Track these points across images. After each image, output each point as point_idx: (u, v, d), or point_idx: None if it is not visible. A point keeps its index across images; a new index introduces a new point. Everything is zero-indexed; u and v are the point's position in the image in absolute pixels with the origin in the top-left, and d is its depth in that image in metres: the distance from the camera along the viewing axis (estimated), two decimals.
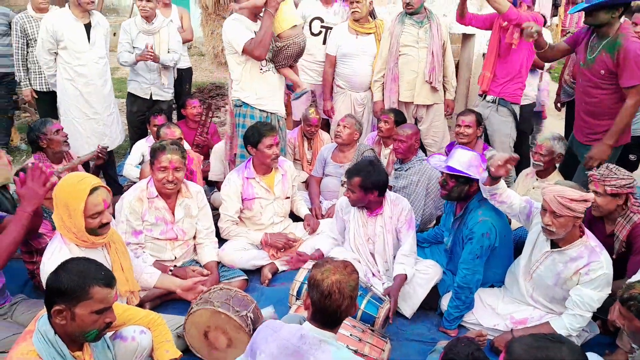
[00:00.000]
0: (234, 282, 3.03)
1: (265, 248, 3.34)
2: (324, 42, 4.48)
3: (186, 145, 3.93)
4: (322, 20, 4.45)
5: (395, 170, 3.67)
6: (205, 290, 2.57)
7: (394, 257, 2.97)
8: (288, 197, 3.51)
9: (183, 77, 5.15)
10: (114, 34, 6.20)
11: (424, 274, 2.93)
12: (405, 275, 2.82)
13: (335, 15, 4.51)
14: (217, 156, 4.23)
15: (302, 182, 4.21)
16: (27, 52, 4.47)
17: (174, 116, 5.21)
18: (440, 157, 3.06)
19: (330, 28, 4.45)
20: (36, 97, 4.58)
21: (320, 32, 4.47)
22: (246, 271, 3.20)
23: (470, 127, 3.68)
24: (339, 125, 3.92)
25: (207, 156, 4.43)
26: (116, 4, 15.11)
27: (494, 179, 2.65)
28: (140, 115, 4.51)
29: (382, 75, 4.25)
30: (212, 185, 4.28)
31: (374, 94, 4.34)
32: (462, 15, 3.93)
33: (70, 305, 1.70)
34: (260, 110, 3.55)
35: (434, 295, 2.94)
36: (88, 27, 3.86)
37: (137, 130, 4.62)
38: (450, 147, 3.84)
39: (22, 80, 4.54)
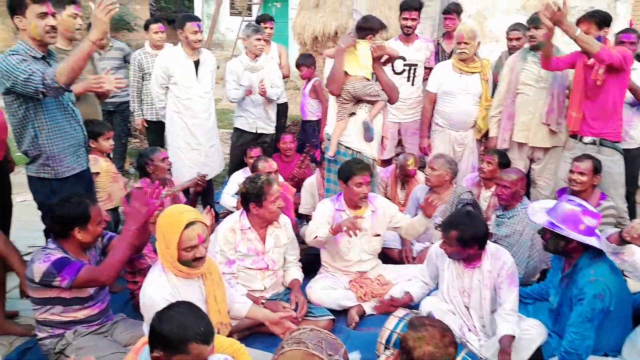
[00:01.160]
0: (320, 322, 2.97)
1: (352, 289, 3.25)
2: (408, 80, 4.46)
3: (280, 178, 4.02)
4: (404, 59, 4.44)
5: (497, 217, 3.46)
6: (295, 329, 2.54)
7: (491, 313, 2.76)
8: (378, 235, 3.41)
9: (279, 112, 5.32)
10: (218, 67, 6.57)
11: (527, 335, 2.66)
12: (513, 336, 2.57)
13: (417, 52, 4.49)
14: (308, 189, 4.28)
15: None
16: (142, 85, 4.86)
17: None
18: (545, 203, 2.82)
19: (414, 65, 4.45)
20: (146, 125, 4.96)
21: (403, 71, 4.46)
22: (332, 311, 3.14)
23: (585, 175, 3.32)
24: (430, 168, 3.81)
25: (298, 189, 4.51)
26: (221, 39, 16.23)
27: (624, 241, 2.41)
28: (245, 148, 4.68)
29: (500, 112, 4.08)
30: (302, 218, 4.32)
31: (490, 129, 4.18)
32: (548, 58, 3.64)
33: (167, 354, 1.75)
34: (345, 147, 3.56)
35: (537, 359, 2.68)
36: (197, 64, 4.11)
37: (237, 161, 4.79)
38: (561, 193, 3.55)
39: (135, 110, 4.94)
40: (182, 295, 2.36)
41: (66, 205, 2.54)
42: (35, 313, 2.59)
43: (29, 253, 3.85)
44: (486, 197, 3.82)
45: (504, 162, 3.70)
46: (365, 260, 3.38)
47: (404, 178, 4.23)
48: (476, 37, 4.12)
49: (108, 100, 5.09)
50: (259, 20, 5.37)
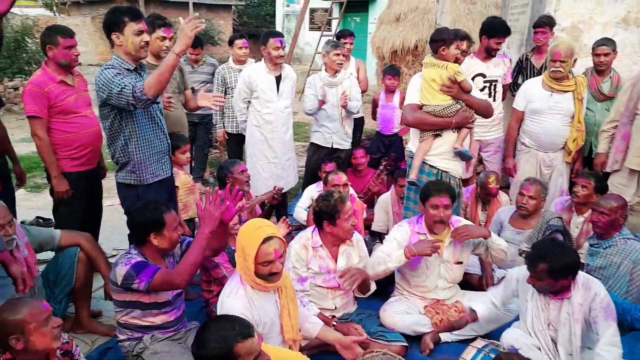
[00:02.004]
0: (393, 347, 2.86)
1: (428, 314, 3.10)
2: (490, 96, 4.28)
3: (351, 190, 3.97)
4: (484, 76, 4.28)
5: (591, 246, 3.16)
6: (367, 352, 2.47)
7: (582, 350, 2.50)
8: (460, 263, 3.21)
9: (355, 126, 5.28)
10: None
11: None
12: None
13: (496, 67, 4.32)
14: (382, 207, 4.18)
15: None
16: (225, 99, 5.02)
17: None
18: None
19: (494, 81, 4.30)
20: (227, 138, 5.11)
21: (484, 87, 4.29)
22: (406, 336, 3.00)
23: None
24: (523, 195, 3.54)
25: (371, 205, 4.42)
26: (300, 53, 16.61)
27: None
28: (319, 162, 4.67)
29: (613, 127, 3.77)
30: (375, 236, 4.22)
31: (600, 144, 3.89)
32: None
33: None
34: (429, 166, 3.42)
35: None
36: (278, 79, 4.18)
37: (311, 175, 4.80)
38: None
39: (217, 122, 5.11)
40: (258, 308, 2.38)
41: (142, 211, 2.63)
42: (117, 315, 2.70)
43: (114, 256, 4.08)
44: (578, 223, 3.52)
45: (601, 187, 3.39)
46: (444, 289, 3.20)
47: (485, 197, 4.01)
48: (573, 55, 3.84)
49: (193, 112, 5.33)
50: (339, 35, 5.38)
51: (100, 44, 17.63)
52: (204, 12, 20.75)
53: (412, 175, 3.42)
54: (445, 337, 3.04)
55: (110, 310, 3.18)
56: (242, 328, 1.84)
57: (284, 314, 2.47)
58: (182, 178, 3.81)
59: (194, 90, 4.10)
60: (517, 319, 2.80)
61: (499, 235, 3.59)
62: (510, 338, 2.66)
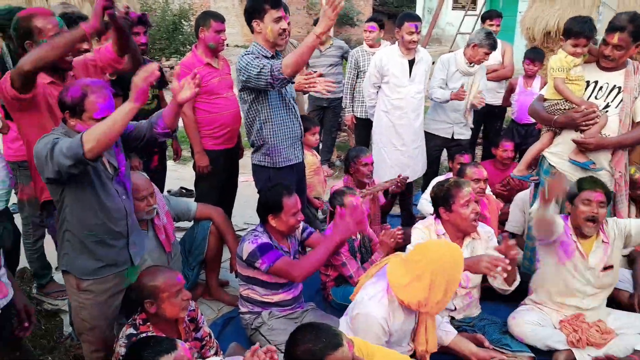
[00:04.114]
0: (518, 358, 2.67)
1: (564, 330, 2.78)
2: None
3: (487, 190, 3.67)
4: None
5: None
6: None
7: None
8: (610, 267, 2.81)
9: (495, 115, 4.90)
10: (433, 63, 6.42)
11: None
12: None
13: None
14: (518, 205, 3.83)
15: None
16: (356, 83, 4.98)
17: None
18: None
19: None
20: (355, 122, 5.08)
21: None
22: (532, 349, 2.74)
23: None
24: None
25: (508, 200, 4.06)
26: (440, 34, 15.89)
27: None
28: (436, 149, 4.43)
29: None
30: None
31: None
32: None
33: None
34: (548, 163, 3.12)
35: None
36: (412, 62, 4.00)
37: (433, 165, 4.54)
38: None
39: (346, 106, 5.10)
40: (396, 319, 2.33)
41: (266, 193, 2.77)
42: (240, 288, 2.87)
43: (244, 229, 4.34)
44: None
45: None
46: (589, 295, 2.84)
47: (633, 194, 3.41)
48: None
49: (322, 96, 5.38)
50: (485, 17, 4.99)
51: (245, 25, 18.74)
52: None
53: (516, 173, 3.30)
54: (580, 356, 2.70)
55: (235, 281, 3.39)
56: (330, 338, 1.77)
57: (421, 329, 2.42)
58: (309, 159, 3.89)
59: (322, 75, 4.11)
60: None
61: None
62: None
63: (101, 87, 2.10)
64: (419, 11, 17.44)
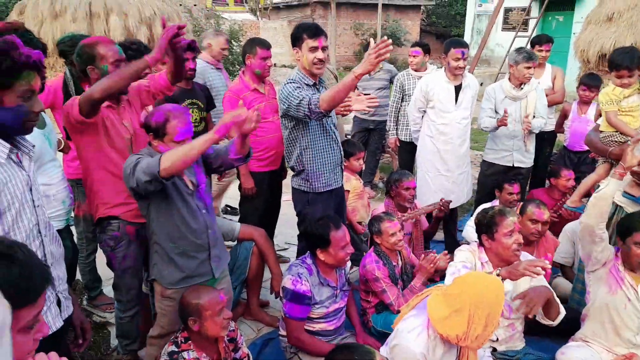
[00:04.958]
0: None
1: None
2: None
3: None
4: None
5: None
6: None
7: None
8: None
9: (545, 140, 4.76)
10: (481, 84, 6.33)
11: None
12: None
13: None
14: (568, 236, 3.67)
15: None
16: (401, 106, 4.97)
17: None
18: None
19: None
20: (399, 145, 5.06)
21: None
22: None
23: None
24: None
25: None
26: (489, 55, 15.66)
27: None
28: (496, 179, 4.33)
29: None
30: (556, 268, 3.74)
31: None
32: None
33: None
34: None
35: None
36: (458, 88, 3.97)
37: (485, 191, 4.45)
38: None
39: (390, 129, 5.10)
40: (436, 354, 2.25)
41: (312, 224, 2.74)
42: (282, 311, 2.87)
43: (285, 249, 4.38)
44: None
45: None
46: None
47: None
48: None
49: (369, 118, 5.40)
50: (535, 41, 4.85)
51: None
52: (392, 13, 21.00)
53: (570, 203, 3.16)
54: None
55: (276, 302, 3.42)
56: (363, 356, 1.78)
57: None
58: (353, 183, 3.89)
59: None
60: None
61: None
62: None
63: (182, 112, 2.34)
64: (467, 32, 17.27)
